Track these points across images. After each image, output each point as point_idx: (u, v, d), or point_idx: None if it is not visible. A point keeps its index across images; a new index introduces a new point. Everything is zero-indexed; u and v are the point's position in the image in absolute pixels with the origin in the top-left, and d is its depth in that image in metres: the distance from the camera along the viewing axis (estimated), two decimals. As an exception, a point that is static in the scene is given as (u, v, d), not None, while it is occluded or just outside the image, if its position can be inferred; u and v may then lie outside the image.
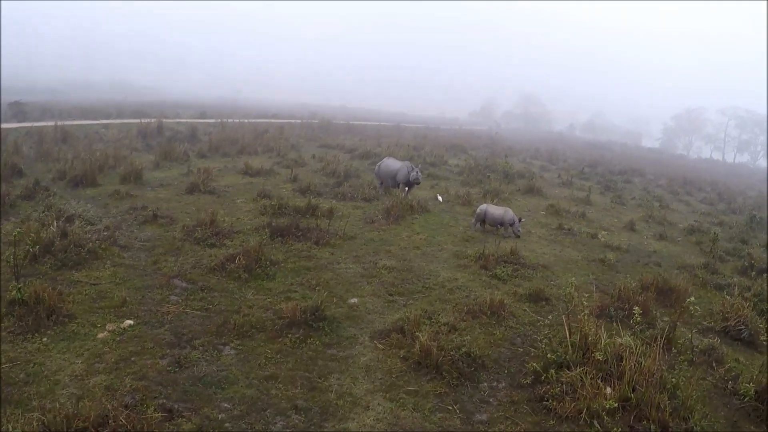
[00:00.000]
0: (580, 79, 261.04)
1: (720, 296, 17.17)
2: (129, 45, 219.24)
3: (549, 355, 11.05)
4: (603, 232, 24.54)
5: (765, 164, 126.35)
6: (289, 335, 11.29)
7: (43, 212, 17.61)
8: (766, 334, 13.88)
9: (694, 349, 12.89)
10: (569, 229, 24.20)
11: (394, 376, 10.31)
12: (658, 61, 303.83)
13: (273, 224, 18.31)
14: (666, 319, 14.54)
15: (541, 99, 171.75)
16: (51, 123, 39.46)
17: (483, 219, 22.02)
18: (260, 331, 11.41)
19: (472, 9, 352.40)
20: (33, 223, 15.94)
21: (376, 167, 27.71)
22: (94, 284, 13.02)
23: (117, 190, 22.20)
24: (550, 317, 14.03)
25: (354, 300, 13.59)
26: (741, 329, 14.53)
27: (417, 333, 11.28)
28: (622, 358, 10.58)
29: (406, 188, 26.16)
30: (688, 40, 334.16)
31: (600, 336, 11.25)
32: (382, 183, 27.08)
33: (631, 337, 11.44)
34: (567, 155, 67.46)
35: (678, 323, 13.45)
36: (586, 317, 11.63)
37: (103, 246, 15.14)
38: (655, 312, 14.99)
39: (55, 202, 18.92)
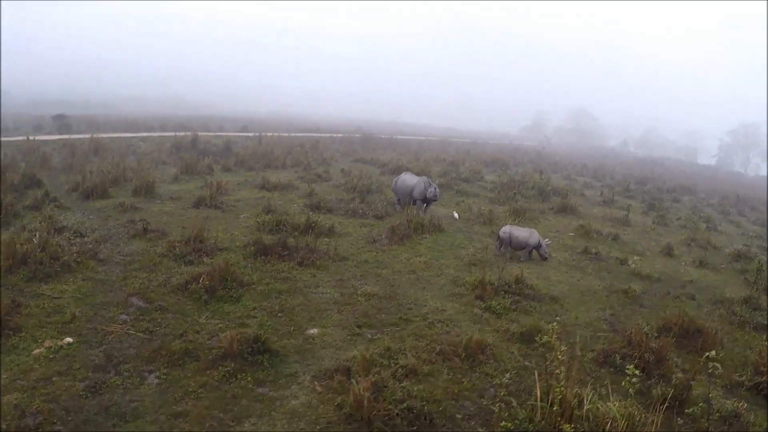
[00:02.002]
0: (635, 94, 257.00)
1: (760, 340, 14.50)
2: (189, 65, 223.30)
3: (504, 423, 8.94)
4: (635, 258, 22.14)
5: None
6: (221, 368, 10.40)
7: (40, 223, 17.39)
8: None
9: (712, 415, 10.19)
10: (596, 254, 21.80)
11: (319, 427, 9.07)
12: (716, 74, 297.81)
13: (258, 242, 17.33)
14: (687, 370, 12.10)
15: (593, 114, 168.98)
16: (89, 136, 39.71)
17: (509, 242, 19.97)
18: (193, 361, 10.64)
19: (525, 24, 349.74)
20: (24, 234, 15.76)
21: (393, 183, 26.14)
22: (56, 298, 12.68)
23: (122, 202, 21.47)
24: (541, 364, 11.57)
25: (313, 331, 12.43)
26: (777, 386, 11.81)
27: (359, 377, 9.91)
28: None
29: (424, 205, 24.37)
30: (745, 54, 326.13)
31: (584, 397, 9.05)
32: (399, 200, 25.37)
33: (628, 398, 9.28)
34: (615, 171, 64.79)
35: (700, 377, 10.85)
36: (564, 373, 9.17)
37: (79, 259, 14.77)
38: (674, 361, 12.69)
39: (55, 214, 18.64)
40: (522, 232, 20.07)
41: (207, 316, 12.48)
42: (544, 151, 77.28)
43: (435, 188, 23.86)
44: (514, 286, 16.09)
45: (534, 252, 20.31)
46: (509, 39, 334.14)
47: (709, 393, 10.77)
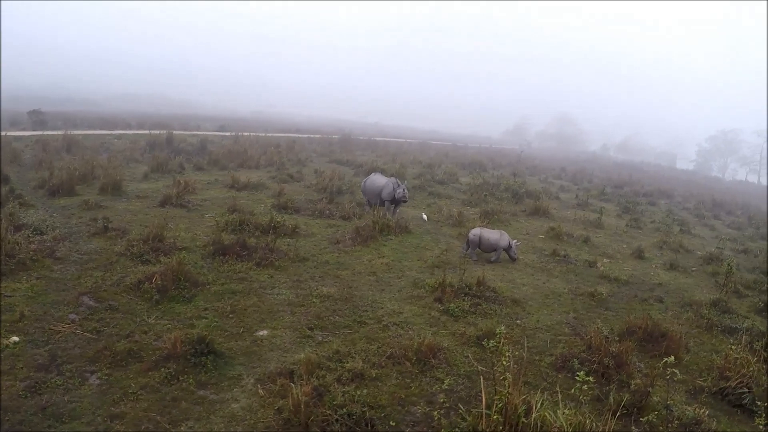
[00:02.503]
0: (616, 100, 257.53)
1: (727, 343, 14.04)
2: (173, 63, 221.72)
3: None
4: (604, 260, 21.71)
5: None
6: (163, 369, 10.08)
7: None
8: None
9: (672, 422, 9.70)
10: (565, 256, 21.34)
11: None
12: (695, 82, 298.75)
13: (217, 241, 16.90)
14: (648, 375, 11.56)
15: (575, 119, 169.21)
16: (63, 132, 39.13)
17: (478, 245, 19.54)
18: (137, 362, 10.34)
19: (511, 29, 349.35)
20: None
21: (362, 184, 25.59)
22: (8, 296, 12.30)
23: (87, 200, 20.93)
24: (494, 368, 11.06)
25: (263, 332, 12.13)
26: (743, 393, 11.31)
27: (301, 381, 9.64)
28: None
29: (393, 206, 23.77)
30: (725, 62, 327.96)
31: (533, 405, 8.53)
32: (368, 201, 24.85)
33: (581, 406, 8.86)
34: (594, 175, 64.50)
35: (661, 383, 10.34)
36: (511, 379, 8.61)
37: (35, 257, 14.41)
38: (636, 365, 12.26)
39: (17, 211, 17.97)
40: (492, 234, 19.65)
41: (156, 316, 12.17)
42: (523, 154, 76.81)
43: (404, 189, 23.26)
44: (475, 288, 15.62)
45: (504, 254, 19.98)
46: (493, 43, 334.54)
47: (668, 399, 10.29)
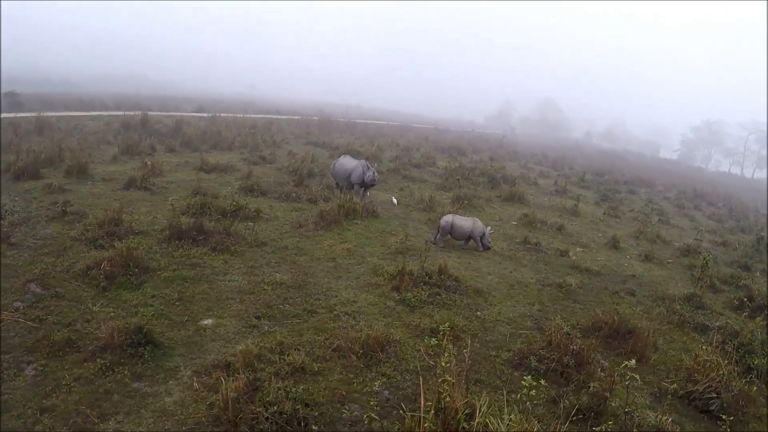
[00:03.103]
0: (602, 88, 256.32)
1: (699, 342, 13.36)
2: (152, 44, 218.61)
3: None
4: (577, 249, 20.98)
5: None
6: (99, 360, 9.54)
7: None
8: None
9: (632, 430, 8.93)
10: (536, 244, 20.60)
11: (185, 427, 8.29)
12: (681, 72, 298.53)
13: (173, 225, 16.16)
14: (610, 376, 10.64)
15: (559, 105, 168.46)
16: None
17: (449, 232, 18.80)
18: (75, 352, 9.82)
19: (495, 13, 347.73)
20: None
21: (332, 167, 24.79)
22: None
23: (50, 184, 20.03)
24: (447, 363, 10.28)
25: (207, 321, 11.50)
26: (711, 398, 10.53)
27: (236, 375, 9.11)
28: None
29: (363, 189, 23.02)
30: (709, 53, 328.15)
31: (477, 408, 7.79)
32: (338, 184, 24.08)
33: (529, 411, 7.90)
34: (575, 162, 63.90)
35: (623, 385, 9.46)
36: (449, 381, 7.81)
37: None
38: (600, 364, 11.55)
39: None
40: (465, 222, 18.88)
41: (102, 304, 11.59)
42: (504, 139, 76.03)
43: (374, 172, 22.50)
44: (436, 277, 14.82)
45: (475, 241, 19.20)
46: (480, 28, 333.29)
47: (626, 404, 9.47)
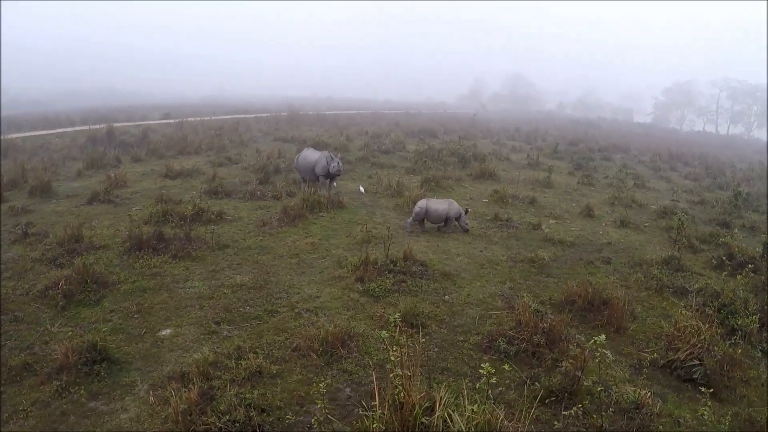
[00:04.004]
0: (571, 58, 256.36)
1: (678, 307, 12.84)
2: (116, 52, 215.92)
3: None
4: (550, 222, 20.46)
5: (760, 135, 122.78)
6: (55, 382, 9.16)
7: None
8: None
9: (608, 409, 8.30)
10: (507, 220, 20.10)
11: None
12: (648, 35, 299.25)
13: (133, 236, 15.61)
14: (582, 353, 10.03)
15: (530, 79, 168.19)
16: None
17: (424, 216, 18.25)
18: (32, 375, 9.47)
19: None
20: None
21: (295, 160, 24.27)
22: None
23: (13, 206, 19.51)
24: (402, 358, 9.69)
25: (166, 332, 11.10)
26: (693, 365, 9.94)
27: (190, 385, 8.72)
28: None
29: (328, 180, 22.61)
30: (675, 15, 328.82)
31: (437, 401, 7.21)
32: (303, 178, 23.54)
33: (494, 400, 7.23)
34: (548, 134, 63.27)
35: (598, 360, 8.86)
36: (403, 374, 7.23)
37: None
38: (576, 339, 10.94)
39: None
40: (440, 205, 18.30)
41: (60, 324, 11.19)
42: (476, 117, 75.55)
43: (338, 162, 22.03)
44: (401, 263, 14.26)
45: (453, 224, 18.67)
46: (442, 9, 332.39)
47: (600, 382, 8.85)
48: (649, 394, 8.86)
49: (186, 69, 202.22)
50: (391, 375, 7.42)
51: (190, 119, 54.00)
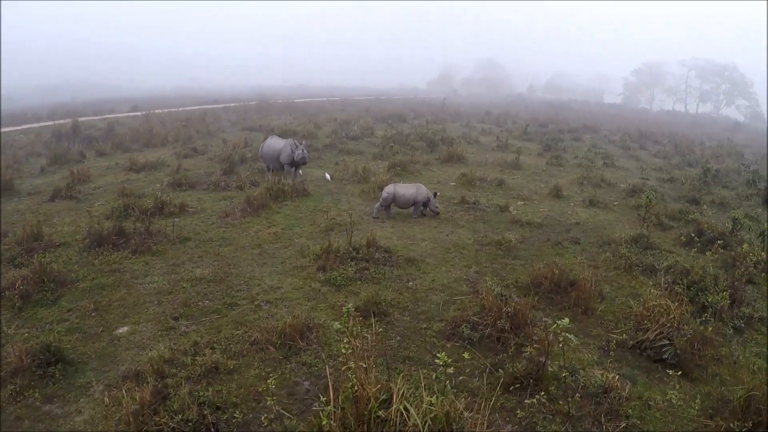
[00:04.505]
0: (541, 40, 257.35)
1: (647, 286, 12.59)
2: (84, 47, 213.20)
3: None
4: (519, 203, 20.20)
5: (728, 113, 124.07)
6: (9, 386, 8.80)
7: None
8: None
9: (575, 394, 7.98)
10: (474, 203, 19.80)
11: None
12: (615, 16, 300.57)
13: (93, 232, 15.16)
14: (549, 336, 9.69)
15: (500, 62, 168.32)
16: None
17: (392, 201, 17.87)
18: None
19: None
20: None
21: (260, 149, 23.96)
22: None
23: None
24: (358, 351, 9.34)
25: (123, 329, 10.68)
26: (663, 345, 9.65)
27: (145, 385, 8.40)
28: None
29: (293, 168, 22.26)
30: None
31: (394, 394, 6.87)
32: (268, 166, 23.18)
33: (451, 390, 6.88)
34: (518, 117, 63.14)
35: (562, 347, 8.51)
36: (355, 364, 6.88)
37: None
38: (543, 322, 10.62)
39: None
40: (408, 190, 17.95)
41: (17, 326, 10.77)
42: (446, 102, 75.34)
43: (303, 150, 21.74)
44: (364, 250, 13.91)
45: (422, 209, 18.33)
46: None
47: (565, 367, 8.55)
48: (617, 377, 8.56)
49: (156, 62, 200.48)
50: (343, 368, 7.06)
51: (157, 111, 53.23)
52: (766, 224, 16.35)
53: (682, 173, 30.17)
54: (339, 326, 7.23)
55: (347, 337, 7.34)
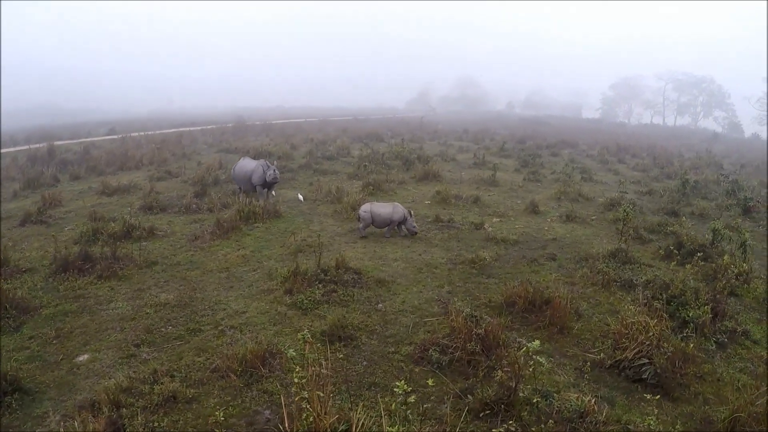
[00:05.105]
0: (519, 58, 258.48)
1: (626, 302, 12.19)
2: (64, 71, 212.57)
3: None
4: (494, 220, 19.84)
5: (706, 125, 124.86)
6: None
7: None
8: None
9: (549, 419, 7.54)
10: (449, 221, 19.49)
11: None
12: (591, 33, 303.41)
13: (59, 258, 14.82)
14: (519, 360, 9.22)
15: (478, 80, 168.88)
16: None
17: (371, 221, 17.64)
18: None
19: (402, 10, 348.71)
20: None
21: (232, 171, 23.70)
22: None
23: None
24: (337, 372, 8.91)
25: (83, 357, 10.34)
26: (642, 364, 9.19)
27: (100, 416, 8.06)
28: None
29: (265, 189, 21.97)
30: (617, 12, 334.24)
31: (354, 423, 6.59)
32: (241, 188, 22.96)
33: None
34: (497, 134, 63.06)
35: (537, 364, 8.05)
36: (310, 394, 6.42)
37: None
38: (517, 342, 10.10)
39: None
40: (384, 209, 17.72)
41: None
42: (424, 120, 75.30)
43: (274, 170, 21.50)
44: (332, 272, 13.50)
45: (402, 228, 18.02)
46: (386, 20, 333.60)
47: (536, 393, 8.09)
48: (594, 399, 8.11)
49: (133, 85, 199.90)
50: (296, 398, 6.58)
51: (134, 134, 52.84)
52: (747, 234, 15.98)
53: (660, 185, 30.02)
54: (293, 354, 6.74)
55: (305, 364, 6.88)
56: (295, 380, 6.65)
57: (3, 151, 43.58)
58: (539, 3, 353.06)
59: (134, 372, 9.54)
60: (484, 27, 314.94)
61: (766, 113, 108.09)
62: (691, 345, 9.87)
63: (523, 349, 7.15)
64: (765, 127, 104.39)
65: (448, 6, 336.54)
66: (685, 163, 43.27)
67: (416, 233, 17.80)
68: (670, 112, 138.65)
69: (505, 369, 8.46)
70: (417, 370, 9.40)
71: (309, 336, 7.33)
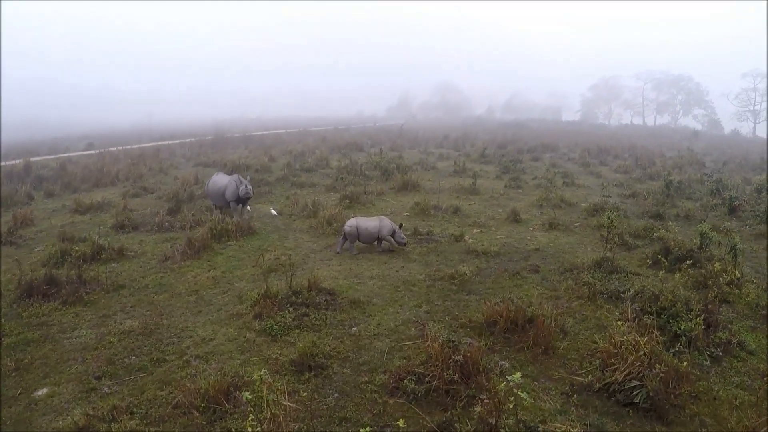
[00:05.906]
0: (497, 62, 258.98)
1: (614, 316, 11.56)
2: (45, 84, 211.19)
3: None
4: (475, 231, 19.30)
5: (686, 123, 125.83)
6: None
7: None
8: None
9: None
10: (428, 234, 18.93)
11: None
12: (569, 34, 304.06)
13: (22, 282, 14.21)
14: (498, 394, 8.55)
15: (458, 86, 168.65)
16: None
17: (357, 237, 17.09)
18: None
19: (380, 14, 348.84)
20: None
21: (205, 187, 23.50)
22: None
23: None
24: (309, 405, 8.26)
25: (42, 391, 9.78)
26: (634, 387, 8.55)
27: None
28: None
29: (239, 205, 21.60)
30: (595, 13, 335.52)
31: None
32: (215, 204, 22.62)
33: None
34: (477, 139, 62.83)
35: (514, 403, 7.40)
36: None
37: None
38: (498, 368, 9.56)
39: None
40: (370, 223, 17.21)
41: None
42: (403, 128, 74.83)
43: (247, 185, 21.08)
44: (305, 294, 12.84)
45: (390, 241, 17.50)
46: (371, 24, 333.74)
47: (518, 424, 7.43)
48: (582, 428, 7.47)
49: (112, 98, 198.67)
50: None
51: (112, 149, 52.13)
52: (737, 238, 15.42)
53: (644, 187, 29.67)
54: (249, 397, 6.08)
55: (264, 406, 6.22)
56: (249, 430, 5.94)
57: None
58: (519, 3, 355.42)
59: (93, 408, 8.95)
60: (463, 30, 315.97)
61: (749, 109, 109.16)
62: (684, 362, 9.26)
63: (502, 384, 6.48)
64: (745, 123, 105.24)
65: (426, 11, 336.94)
66: (667, 163, 43.11)
67: (405, 244, 17.26)
68: (650, 111, 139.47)
69: (485, 402, 7.80)
70: (391, 402, 8.73)
71: (267, 376, 6.64)
